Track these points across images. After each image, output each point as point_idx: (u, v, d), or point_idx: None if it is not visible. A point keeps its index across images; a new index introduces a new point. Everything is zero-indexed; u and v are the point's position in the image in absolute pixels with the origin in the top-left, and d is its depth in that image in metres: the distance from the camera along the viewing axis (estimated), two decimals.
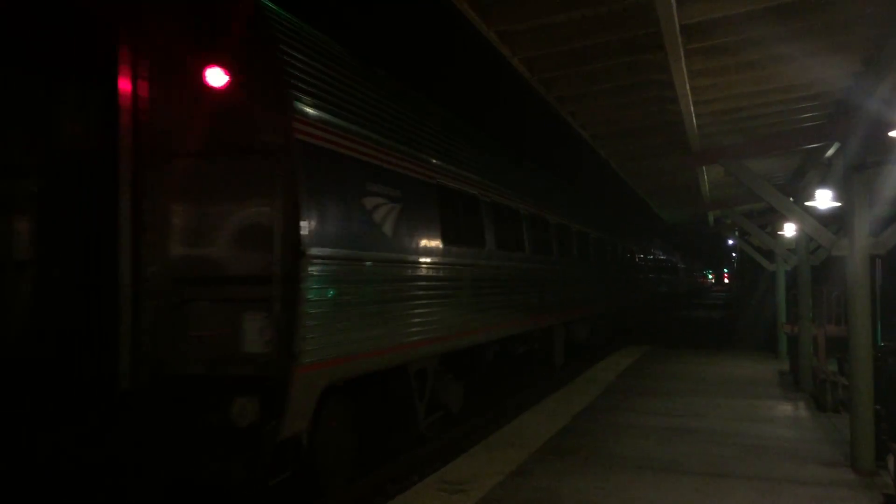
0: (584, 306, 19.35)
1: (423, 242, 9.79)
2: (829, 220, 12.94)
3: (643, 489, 8.18)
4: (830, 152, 11.41)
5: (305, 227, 7.06)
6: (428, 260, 9.91)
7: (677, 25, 6.93)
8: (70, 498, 6.86)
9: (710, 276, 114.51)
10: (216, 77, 7.06)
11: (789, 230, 16.59)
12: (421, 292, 9.64)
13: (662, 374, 17.49)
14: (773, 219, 18.31)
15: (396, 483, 9.62)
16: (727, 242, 48.84)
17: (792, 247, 17.49)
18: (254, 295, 7.04)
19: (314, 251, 7.16)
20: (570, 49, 8.61)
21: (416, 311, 9.45)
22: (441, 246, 10.26)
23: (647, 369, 18.43)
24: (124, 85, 7.14)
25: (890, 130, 7.36)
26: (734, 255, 55.27)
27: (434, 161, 10.41)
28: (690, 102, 9.43)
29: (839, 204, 11.70)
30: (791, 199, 12.14)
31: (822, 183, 12.24)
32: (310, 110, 7.41)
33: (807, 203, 12.28)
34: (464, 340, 11.13)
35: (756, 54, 8.45)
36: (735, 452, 9.86)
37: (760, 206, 19.28)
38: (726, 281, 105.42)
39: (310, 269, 7.09)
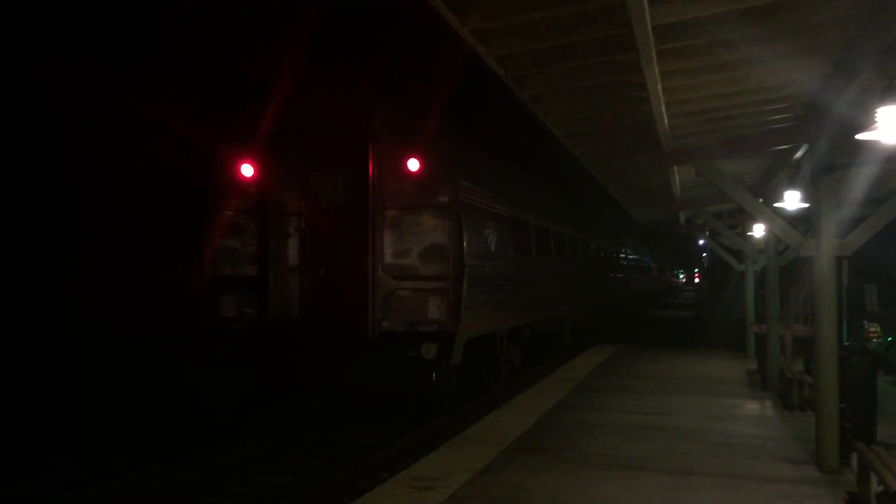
0: (582, 300, 23.93)
1: (505, 254, 15.01)
2: (798, 221, 12.92)
3: (612, 486, 8.24)
4: (799, 154, 11.50)
5: (465, 248, 12.20)
6: (507, 265, 15.06)
7: (649, 26, 6.97)
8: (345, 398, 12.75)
9: (682, 276, 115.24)
10: (414, 165, 12.07)
11: (758, 231, 16.63)
12: (503, 285, 14.59)
13: (632, 373, 17.61)
14: (743, 219, 18.35)
15: (366, 479, 9.62)
16: (698, 242, 49.18)
17: (761, 247, 17.60)
18: (434, 287, 12.06)
19: (469, 262, 12.30)
20: (544, 48, 8.64)
21: (501, 297, 14.45)
22: (513, 255, 15.52)
23: (618, 367, 18.54)
24: (370, 170, 12.19)
25: (857, 133, 7.43)
26: (704, 255, 55.73)
27: (509, 201, 15.53)
28: (662, 103, 9.47)
29: (807, 205, 11.79)
30: (760, 199, 12.23)
31: (791, 184, 12.25)
32: (464, 182, 12.59)
33: (776, 204, 12.34)
34: (521, 319, 16.37)
35: (727, 56, 8.50)
36: (702, 450, 9.95)
37: (730, 207, 19.35)
38: (697, 281, 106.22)
39: (467, 272, 12.19)
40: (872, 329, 18.04)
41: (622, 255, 36.12)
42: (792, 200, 12.11)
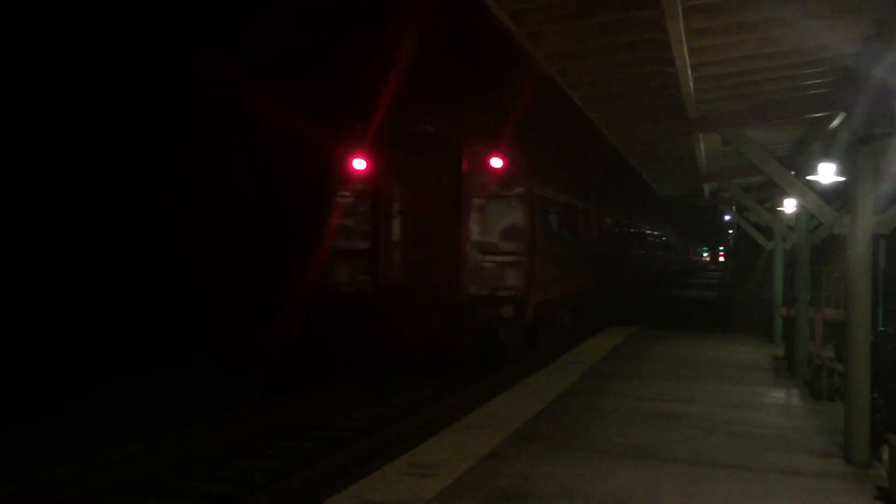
0: (611, 277, 26.54)
1: (561, 233, 18.38)
2: (832, 195, 12.58)
3: (623, 477, 7.86)
4: (835, 123, 11.01)
5: (536, 230, 15.38)
6: (563, 244, 18.47)
7: None
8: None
9: (706, 254, 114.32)
10: (496, 163, 14.99)
11: (789, 206, 16.25)
12: (560, 260, 18.03)
13: (649, 357, 17.15)
14: (773, 194, 17.96)
15: (361, 464, 9.24)
16: (723, 218, 48.40)
17: (791, 224, 17.16)
18: (512, 260, 14.95)
19: (538, 241, 15.45)
20: (560, 2, 8.15)
21: (559, 270, 17.91)
22: (567, 236, 19.03)
23: (634, 351, 18.09)
24: (462, 167, 15.11)
25: None
26: (730, 231, 54.88)
27: (564, 189, 19.05)
28: (688, 65, 8.91)
29: (843, 179, 11.31)
30: (792, 172, 11.78)
31: (826, 156, 11.85)
32: (535, 177, 15.87)
33: (808, 177, 11.92)
34: (571, 290, 19.65)
35: (759, 14, 7.98)
36: (722, 440, 9.57)
37: (759, 180, 18.83)
38: (721, 259, 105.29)
39: (537, 249, 15.32)
40: None
41: (646, 233, 36.66)
42: (826, 173, 11.63)
